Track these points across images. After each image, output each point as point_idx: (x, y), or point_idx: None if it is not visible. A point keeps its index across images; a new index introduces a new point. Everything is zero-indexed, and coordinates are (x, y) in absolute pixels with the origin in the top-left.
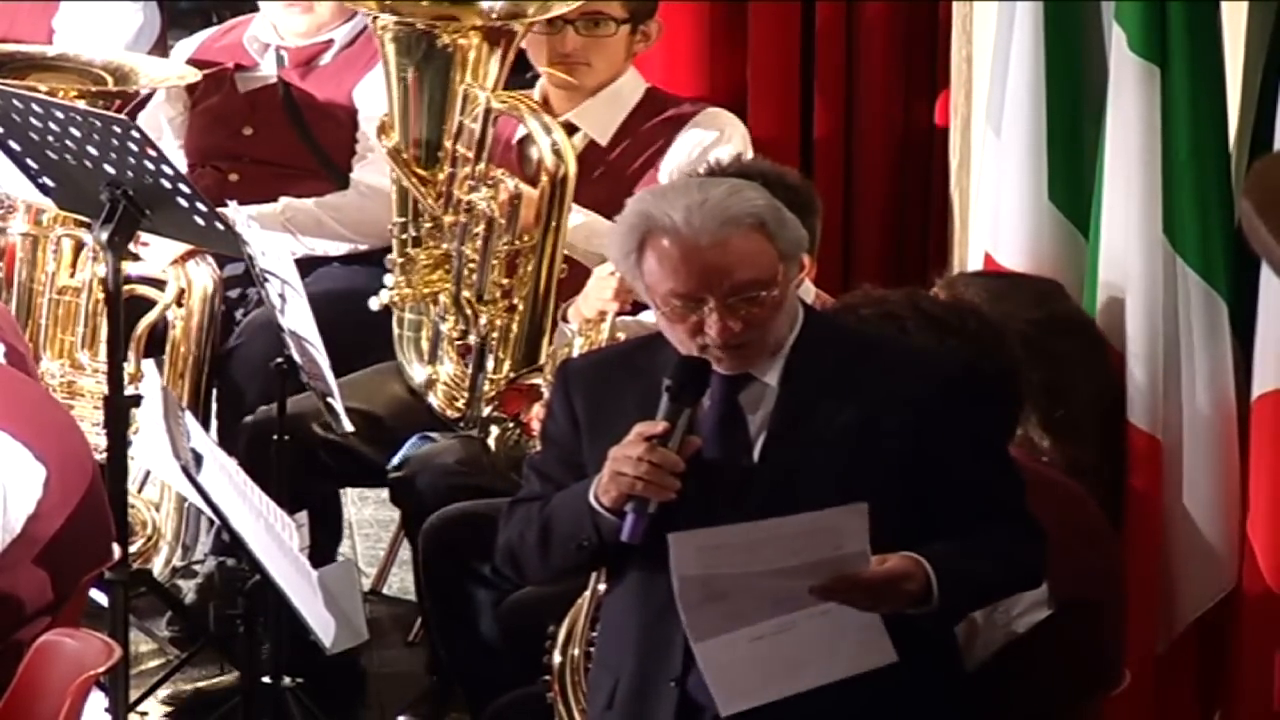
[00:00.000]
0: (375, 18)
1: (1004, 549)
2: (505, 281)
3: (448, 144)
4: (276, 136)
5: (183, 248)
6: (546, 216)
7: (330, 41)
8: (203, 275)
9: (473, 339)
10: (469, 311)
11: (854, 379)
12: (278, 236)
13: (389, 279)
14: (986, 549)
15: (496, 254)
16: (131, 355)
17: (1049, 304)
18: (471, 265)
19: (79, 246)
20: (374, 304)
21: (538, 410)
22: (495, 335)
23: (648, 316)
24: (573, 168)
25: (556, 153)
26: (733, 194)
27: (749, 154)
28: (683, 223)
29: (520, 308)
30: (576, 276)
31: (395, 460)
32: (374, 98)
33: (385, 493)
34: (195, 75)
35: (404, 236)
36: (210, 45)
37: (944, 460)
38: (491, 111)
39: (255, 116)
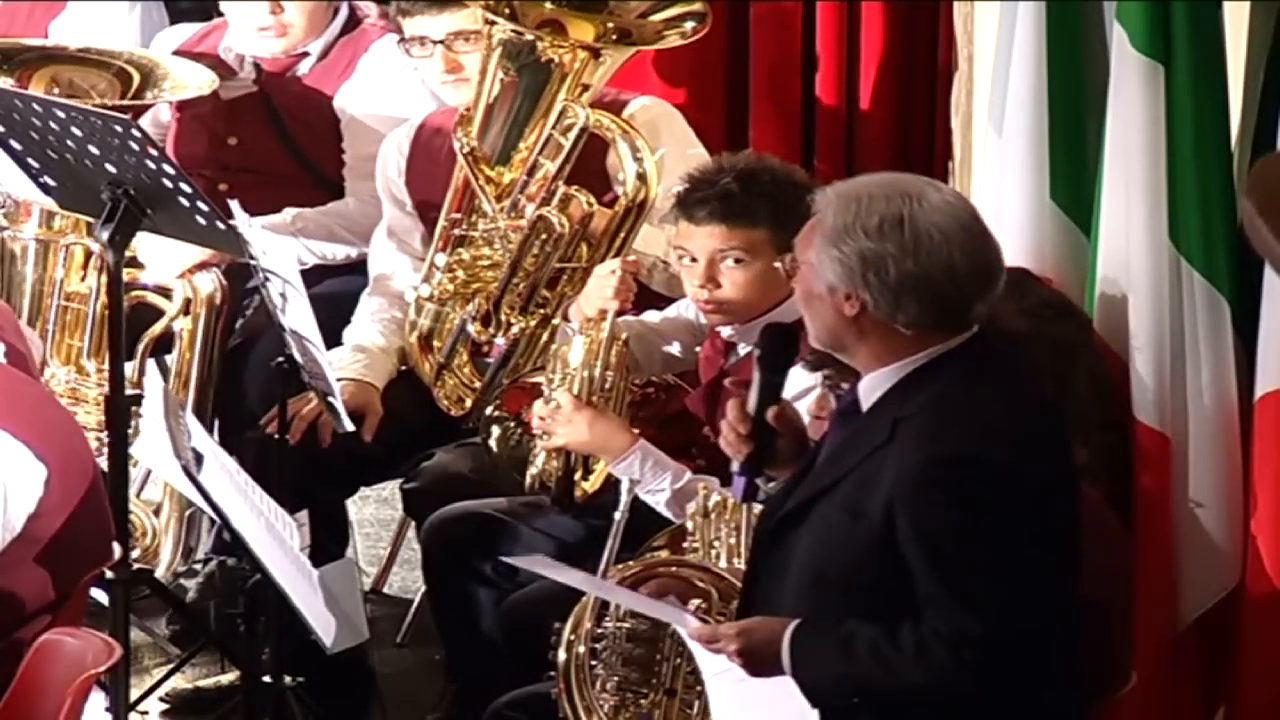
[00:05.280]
0: (489, 21)
1: (899, 648)
2: (547, 294)
3: (523, 148)
4: (261, 146)
5: (191, 259)
6: (612, 238)
7: (305, 54)
8: (210, 286)
9: (500, 342)
10: (504, 318)
11: (886, 439)
12: (288, 242)
13: (436, 275)
14: (880, 642)
15: (550, 269)
16: (137, 364)
17: (1030, 291)
18: (527, 270)
19: (89, 253)
20: (409, 295)
21: (539, 407)
22: (524, 342)
23: (650, 315)
24: (655, 194)
25: (641, 178)
26: None
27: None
28: None
29: (556, 321)
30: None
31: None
32: (356, 105)
33: (385, 492)
34: (216, 82)
35: (455, 233)
36: (189, 50)
37: (903, 546)
38: (586, 130)
39: (239, 127)
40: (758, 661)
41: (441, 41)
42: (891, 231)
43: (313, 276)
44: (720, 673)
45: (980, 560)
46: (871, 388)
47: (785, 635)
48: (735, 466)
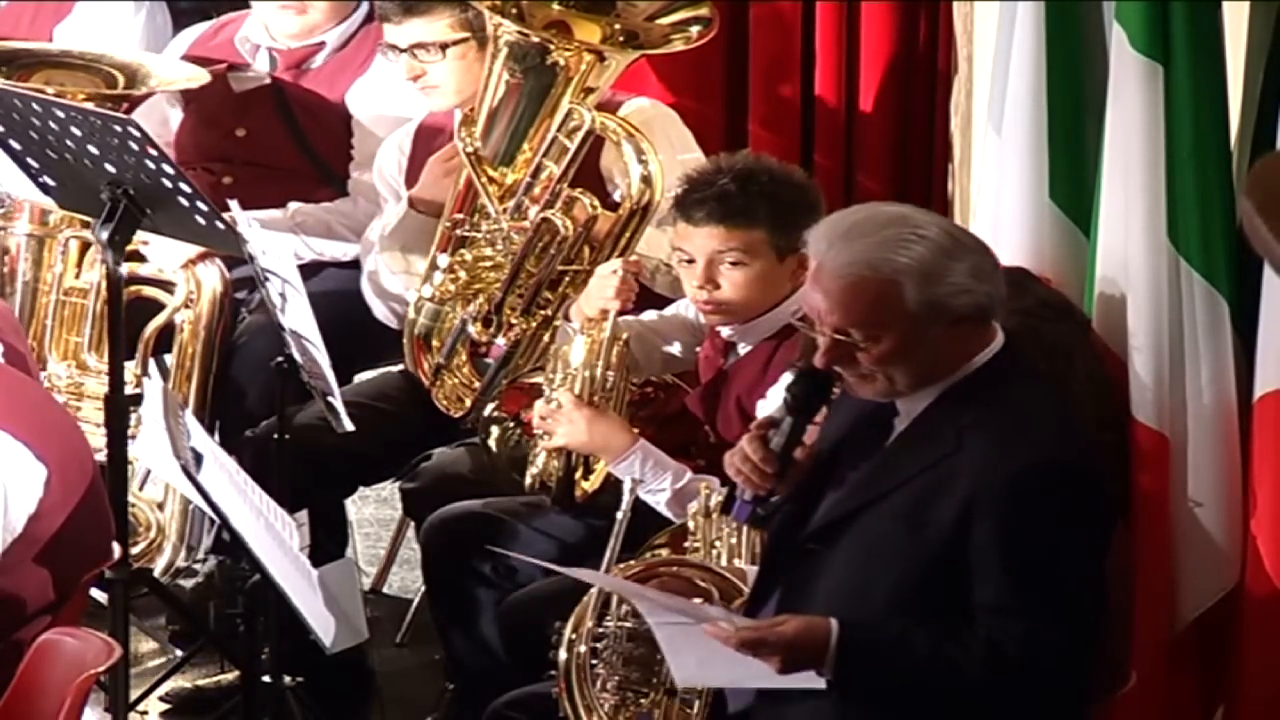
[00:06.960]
0: (497, 23)
1: (968, 652)
2: (549, 295)
3: (527, 149)
4: (270, 139)
5: (193, 250)
6: (615, 241)
7: (321, 44)
8: (212, 278)
9: (501, 342)
10: (505, 318)
11: (954, 448)
12: (285, 239)
13: (437, 275)
14: (944, 644)
15: (553, 271)
16: (139, 357)
17: (1028, 291)
18: (530, 272)
19: (86, 247)
20: (410, 296)
21: (540, 407)
22: (525, 343)
23: (649, 315)
24: (659, 197)
25: (646, 180)
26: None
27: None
28: None
29: (558, 322)
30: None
31: None
32: (368, 102)
33: (385, 491)
34: (205, 77)
35: (458, 234)
36: (204, 43)
37: (976, 554)
38: (592, 133)
39: (248, 118)
40: (795, 662)
41: (406, 50)
42: (955, 244)
43: (308, 270)
44: (665, 623)
45: (1064, 568)
46: (914, 403)
47: (831, 634)
48: (746, 496)
